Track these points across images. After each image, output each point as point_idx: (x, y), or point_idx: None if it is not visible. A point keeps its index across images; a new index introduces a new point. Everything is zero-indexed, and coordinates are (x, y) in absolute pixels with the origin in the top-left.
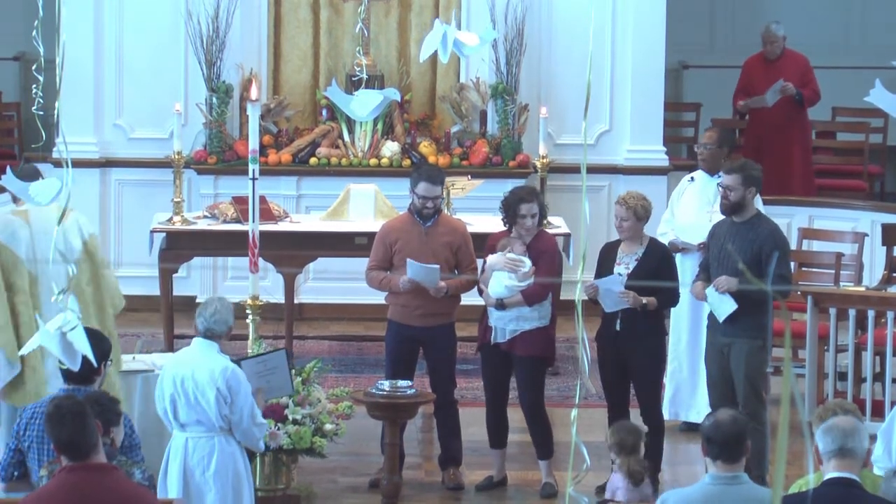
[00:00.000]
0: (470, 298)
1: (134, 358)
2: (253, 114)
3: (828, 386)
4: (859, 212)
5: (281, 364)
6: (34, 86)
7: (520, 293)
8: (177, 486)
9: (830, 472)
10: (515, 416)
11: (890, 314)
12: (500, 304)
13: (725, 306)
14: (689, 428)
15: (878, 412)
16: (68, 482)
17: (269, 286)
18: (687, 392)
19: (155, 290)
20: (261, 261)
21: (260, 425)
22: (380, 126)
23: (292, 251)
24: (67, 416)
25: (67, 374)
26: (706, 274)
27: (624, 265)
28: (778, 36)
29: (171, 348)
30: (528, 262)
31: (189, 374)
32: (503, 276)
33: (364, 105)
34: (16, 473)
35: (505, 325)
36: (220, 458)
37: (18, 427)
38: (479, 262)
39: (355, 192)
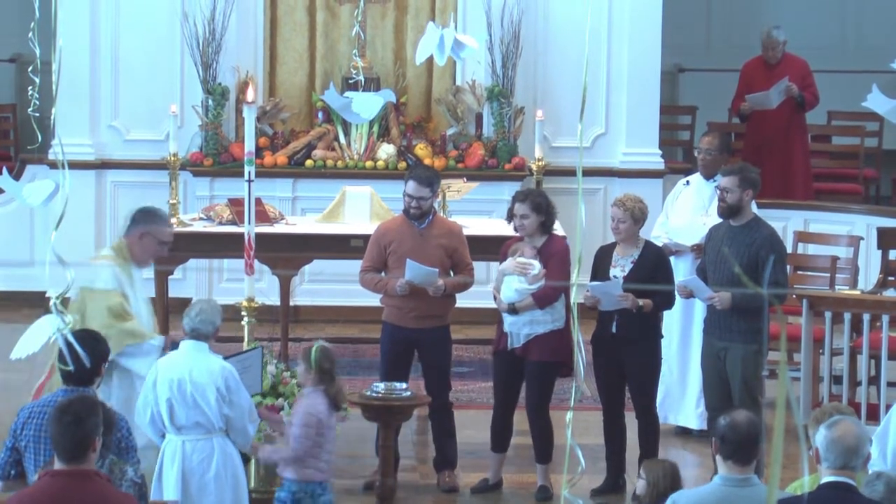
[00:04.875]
0: (464, 301)
1: None
2: (249, 116)
3: (823, 389)
4: (855, 215)
5: (255, 362)
6: (30, 87)
7: (531, 296)
8: (175, 491)
9: (828, 476)
10: (514, 419)
11: (885, 318)
12: (513, 309)
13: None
14: (684, 431)
15: (873, 416)
16: (50, 488)
17: (265, 288)
18: (676, 396)
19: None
20: (256, 263)
21: (255, 422)
22: (376, 128)
23: (288, 253)
24: (66, 415)
25: (66, 376)
26: (703, 276)
27: (620, 268)
28: (779, 41)
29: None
30: (537, 265)
31: (186, 376)
32: (513, 279)
33: (361, 108)
34: (13, 472)
35: (519, 330)
36: (221, 459)
37: (16, 426)
38: (475, 264)
39: (351, 195)
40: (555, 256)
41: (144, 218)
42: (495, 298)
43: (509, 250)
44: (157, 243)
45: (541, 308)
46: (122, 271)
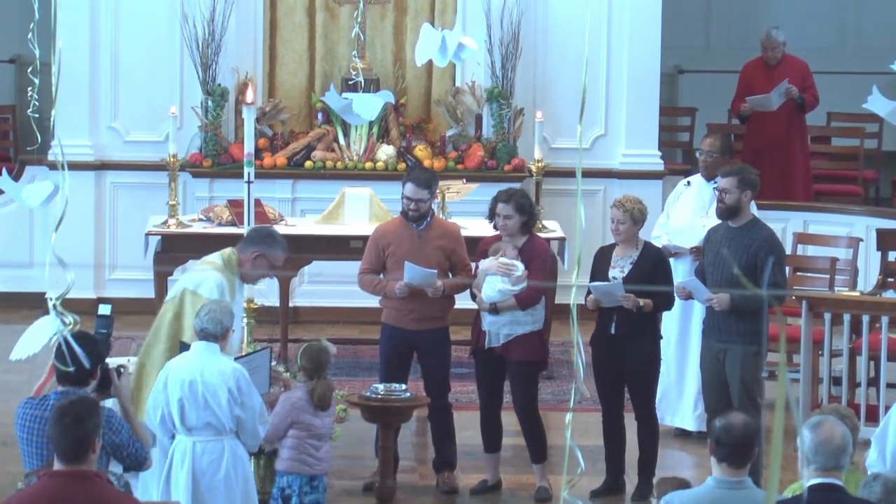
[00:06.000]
0: (463, 302)
1: (129, 361)
2: (248, 117)
3: (822, 391)
4: (854, 217)
5: (263, 363)
6: (30, 88)
7: (513, 297)
8: (185, 492)
9: (814, 478)
10: (509, 420)
11: (884, 319)
12: (494, 309)
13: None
14: (683, 433)
15: (873, 417)
16: (48, 489)
17: (264, 289)
18: (673, 397)
19: (150, 293)
20: None
21: (265, 424)
22: (375, 130)
23: (287, 254)
24: (66, 416)
25: (62, 377)
26: (702, 278)
27: (619, 268)
28: (778, 42)
29: None
30: (520, 265)
31: (198, 376)
32: (496, 280)
33: (362, 109)
34: None
35: (499, 330)
36: (230, 461)
37: (15, 428)
38: (474, 265)
39: (350, 196)
40: (537, 258)
41: (263, 240)
42: (474, 297)
43: (490, 249)
44: (268, 266)
45: (523, 309)
46: (227, 282)
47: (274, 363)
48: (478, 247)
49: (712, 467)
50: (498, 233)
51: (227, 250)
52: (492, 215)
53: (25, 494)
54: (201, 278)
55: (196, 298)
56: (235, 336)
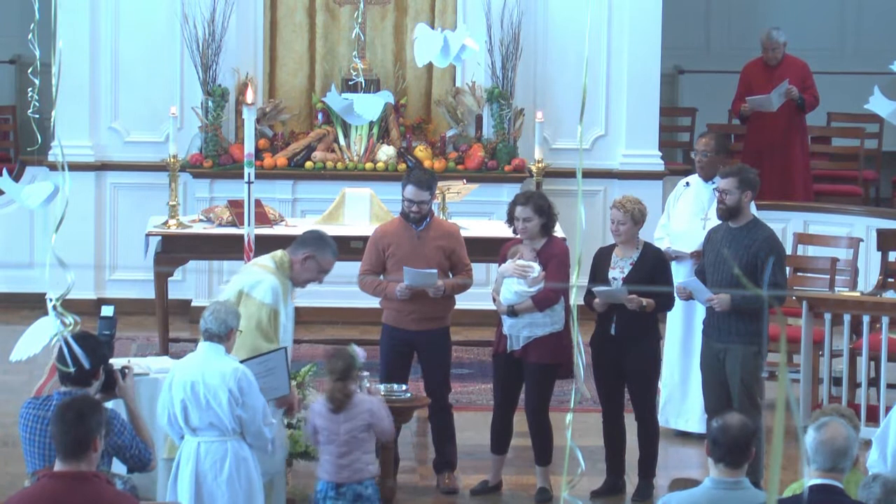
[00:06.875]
0: (463, 303)
1: (129, 361)
2: (248, 117)
3: (822, 391)
4: (854, 217)
5: (280, 364)
6: (30, 89)
7: (530, 299)
8: (188, 492)
9: (815, 478)
10: (515, 420)
11: (885, 319)
12: (512, 311)
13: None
14: (684, 434)
15: (873, 417)
16: (47, 489)
17: None
18: (677, 400)
19: (150, 294)
20: None
21: (270, 425)
22: (375, 130)
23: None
24: (69, 413)
25: (64, 377)
26: (702, 278)
27: (619, 269)
28: (779, 42)
29: (165, 352)
30: (536, 267)
31: (199, 377)
32: (513, 282)
33: (363, 109)
34: None
35: (518, 333)
36: (233, 462)
37: (18, 428)
38: (475, 265)
39: (351, 196)
40: (554, 259)
41: (314, 242)
42: (494, 301)
43: (508, 252)
44: (317, 270)
45: (540, 311)
46: (281, 286)
47: None
48: (500, 251)
49: (709, 468)
50: (518, 236)
51: (279, 252)
52: (510, 219)
53: (25, 494)
54: (257, 280)
55: (250, 301)
56: (287, 336)
